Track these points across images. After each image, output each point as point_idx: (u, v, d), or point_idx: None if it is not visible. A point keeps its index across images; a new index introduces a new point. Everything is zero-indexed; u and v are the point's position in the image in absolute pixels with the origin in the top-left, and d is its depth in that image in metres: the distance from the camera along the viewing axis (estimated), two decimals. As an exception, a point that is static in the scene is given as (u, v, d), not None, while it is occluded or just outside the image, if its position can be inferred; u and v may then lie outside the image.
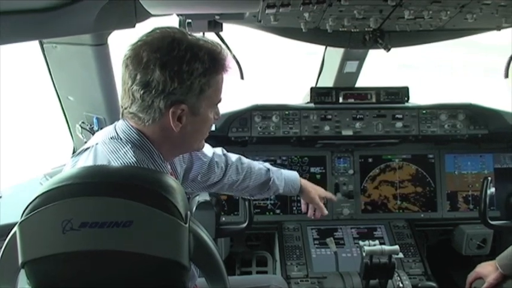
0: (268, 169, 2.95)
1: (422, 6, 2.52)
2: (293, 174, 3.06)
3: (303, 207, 3.19)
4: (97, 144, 2.03)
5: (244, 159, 2.91)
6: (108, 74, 2.96)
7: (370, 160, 3.96)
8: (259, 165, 2.95)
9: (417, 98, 3.99)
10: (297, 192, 3.07)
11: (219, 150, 2.84)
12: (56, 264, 1.39)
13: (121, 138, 2.01)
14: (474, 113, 3.82)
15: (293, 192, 3.06)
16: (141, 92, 1.91)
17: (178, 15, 2.60)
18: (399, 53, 3.32)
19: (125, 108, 2.01)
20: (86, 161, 1.99)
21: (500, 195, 3.56)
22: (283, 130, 3.74)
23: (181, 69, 1.90)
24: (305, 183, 3.10)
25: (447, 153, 3.98)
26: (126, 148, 1.97)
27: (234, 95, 3.74)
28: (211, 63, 1.97)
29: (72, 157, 2.11)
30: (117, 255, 1.36)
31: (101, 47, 2.83)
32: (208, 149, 2.74)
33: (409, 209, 3.93)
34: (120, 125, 2.06)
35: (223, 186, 2.86)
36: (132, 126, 2.02)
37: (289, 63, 10.91)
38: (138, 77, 1.90)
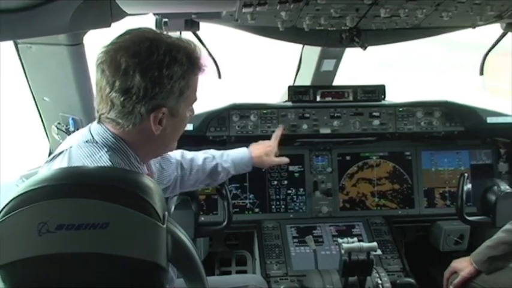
0: (214, 156, 3.00)
1: (398, 4, 2.54)
2: (241, 152, 3.11)
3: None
4: (71, 147, 2.01)
5: (188, 153, 2.94)
6: (84, 74, 2.93)
7: (348, 158, 3.98)
8: (204, 155, 2.99)
9: (395, 96, 4.02)
10: (251, 168, 3.13)
11: (177, 151, 2.88)
12: (32, 268, 1.37)
13: (97, 142, 1.99)
14: (450, 110, 3.86)
15: (246, 169, 3.12)
16: (122, 98, 1.89)
17: (154, 14, 2.59)
18: (377, 51, 3.34)
19: (102, 114, 1.99)
20: (60, 165, 1.96)
21: (476, 191, 3.59)
22: (262, 129, 3.74)
23: (161, 74, 1.89)
24: (257, 154, 3.15)
25: (424, 150, 4.02)
26: (102, 152, 1.96)
27: (212, 94, 3.74)
28: (189, 65, 1.98)
29: (46, 162, 2.08)
30: (94, 257, 1.35)
31: (76, 46, 2.80)
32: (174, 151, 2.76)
33: (386, 206, 3.96)
34: (96, 127, 2.04)
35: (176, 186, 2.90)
36: (108, 129, 2.01)
37: (269, 61, 10.91)
38: (117, 83, 1.88)
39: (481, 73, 3.46)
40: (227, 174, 3.05)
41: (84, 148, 1.98)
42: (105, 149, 1.97)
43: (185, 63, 1.96)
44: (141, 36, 1.94)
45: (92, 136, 2.02)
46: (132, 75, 1.86)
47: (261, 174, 3.86)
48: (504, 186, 3.39)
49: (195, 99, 2.15)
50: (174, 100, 1.98)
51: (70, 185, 1.39)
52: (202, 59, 2.07)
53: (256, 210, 3.89)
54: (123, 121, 1.96)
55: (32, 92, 3.24)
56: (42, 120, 3.42)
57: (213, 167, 3.00)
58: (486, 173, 3.99)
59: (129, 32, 1.97)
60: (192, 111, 2.21)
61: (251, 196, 3.88)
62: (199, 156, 2.98)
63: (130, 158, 2.02)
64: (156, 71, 1.88)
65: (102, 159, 1.93)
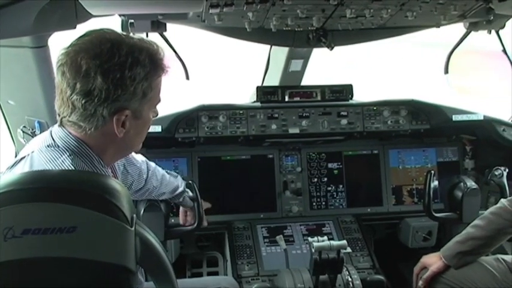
0: (177, 175, 3.16)
1: (363, 4, 2.56)
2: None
3: (182, 216, 3.33)
4: (33, 152, 1.97)
5: (154, 165, 2.99)
6: (49, 76, 2.89)
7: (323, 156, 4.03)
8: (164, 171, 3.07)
9: (364, 95, 4.06)
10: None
11: (140, 156, 2.87)
12: (-2, 274, 1.35)
13: (58, 146, 1.96)
14: (416, 109, 3.91)
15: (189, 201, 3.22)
16: (83, 101, 1.86)
17: (120, 15, 2.57)
18: (345, 51, 3.37)
19: (64, 117, 1.95)
20: (22, 170, 1.92)
21: (443, 188, 3.65)
22: (231, 130, 3.74)
23: (123, 75, 1.86)
24: None
25: (391, 149, 4.07)
26: (64, 156, 1.92)
27: (180, 96, 3.72)
28: (152, 66, 1.95)
29: (7, 168, 2.03)
30: (61, 261, 1.33)
31: (41, 49, 2.76)
32: (135, 155, 2.77)
33: (355, 205, 4.03)
34: (57, 131, 2.01)
35: (144, 193, 2.94)
36: (70, 133, 1.97)
37: (237, 62, 10.91)
38: (78, 85, 1.85)
39: (446, 71, 3.51)
40: (183, 196, 3.18)
41: (45, 153, 1.94)
42: (67, 153, 1.93)
43: (148, 65, 1.93)
44: (102, 37, 1.90)
45: (54, 140, 1.98)
46: (94, 77, 1.83)
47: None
48: (470, 183, 3.45)
49: (158, 101, 2.13)
50: (137, 102, 1.95)
51: (36, 189, 1.37)
52: (165, 60, 2.05)
53: (246, 210, 3.91)
54: (85, 124, 1.92)
55: (-4, 95, 3.19)
56: (7, 124, 3.36)
57: (176, 186, 3.12)
58: (452, 170, 4.06)
59: (89, 34, 1.93)
60: (156, 112, 2.19)
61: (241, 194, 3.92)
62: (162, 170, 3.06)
63: (94, 161, 1.99)
64: (118, 72, 1.85)
65: (64, 163, 1.89)
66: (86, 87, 1.84)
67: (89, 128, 1.93)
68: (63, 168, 1.87)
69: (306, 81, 4.00)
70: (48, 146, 1.96)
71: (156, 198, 3.08)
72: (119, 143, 2.04)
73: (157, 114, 2.20)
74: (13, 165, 1.99)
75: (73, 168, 1.87)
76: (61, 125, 2.00)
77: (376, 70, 12.56)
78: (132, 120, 1.99)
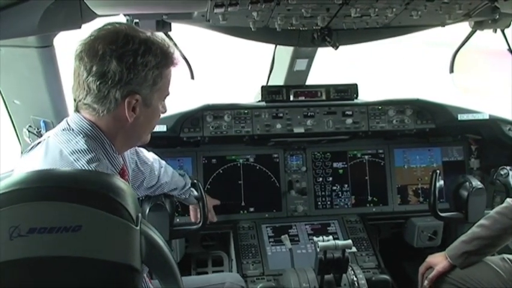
0: (184, 173, 3.28)
1: (368, 4, 2.56)
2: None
3: (193, 214, 3.47)
4: (49, 137, 2.08)
5: (164, 162, 3.17)
6: (54, 76, 2.90)
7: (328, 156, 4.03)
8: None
9: (369, 95, 4.05)
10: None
11: (152, 154, 3.05)
12: (4, 272, 1.35)
13: (73, 129, 2.07)
14: (421, 108, 3.90)
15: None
16: (98, 82, 1.99)
17: (125, 15, 2.57)
18: (352, 49, 3.37)
19: (79, 100, 2.07)
20: (37, 153, 2.03)
21: (448, 187, 3.64)
22: (236, 129, 3.74)
23: (136, 61, 2.00)
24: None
25: (396, 148, 4.06)
26: (78, 138, 2.03)
27: (185, 95, 3.72)
28: (162, 57, 2.08)
29: (24, 153, 2.15)
30: (66, 260, 1.33)
31: (46, 49, 2.77)
32: (147, 153, 2.96)
33: (360, 205, 4.02)
34: (72, 117, 2.12)
35: (157, 189, 3.08)
36: (84, 117, 2.08)
37: (242, 61, 10.91)
38: (94, 68, 1.98)
39: (451, 71, 3.50)
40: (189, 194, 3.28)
41: (61, 136, 2.05)
42: (81, 135, 2.04)
43: (159, 55, 2.06)
44: (118, 28, 2.05)
45: (69, 125, 2.10)
46: (109, 61, 1.97)
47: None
48: (475, 182, 3.45)
49: (167, 93, 2.24)
50: (148, 89, 2.07)
51: (42, 188, 1.37)
52: (175, 54, 2.18)
53: (251, 209, 3.92)
54: (98, 106, 2.04)
55: (1, 95, 3.20)
56: (13, 124, 3.37)
57: (185, 183, 3.26)
58: (458, 169, 4.05)
59: (106, 25, 2.07)
60: (165, 107, 2.30)
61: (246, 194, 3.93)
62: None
63: (106, 145, 2.10)
64: (131, 57, 1.99)
65: (78, 144, 2.01)
66: (101, 69, 1.98)
67: (102, 110, 2.04)
68: (77, 147, 2.00)
69: (311, 80, 4.00)
70: (63, 130, 2.09)
71: (168, 192, 3.17)
72: (129, 129, 2.14)
73: (165, 110, 2.30)
74: (30, 150, 2.10)
75: (86, 147, 2.00)
76: (76, 109, 2.12)
77: (381, 69, 12.55)
78: (142, 107, 2.10)
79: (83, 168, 1.96)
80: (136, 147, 2.80)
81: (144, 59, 2.02)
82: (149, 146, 3.37)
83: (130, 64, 1.99)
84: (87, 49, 2.00)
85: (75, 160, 1.97)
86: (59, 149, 1.99)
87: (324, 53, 3.63)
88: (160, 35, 2.23)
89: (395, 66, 12.96)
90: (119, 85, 2.00)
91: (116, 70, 1.97)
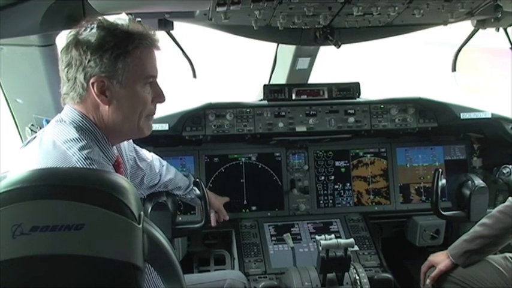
0: (188, 174, 3.35)
1: (370, 2, 2.56)
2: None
3: (213, 219, 3.52)
4: (43, 131, 2.15)
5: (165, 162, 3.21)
6: (57, 75, 2.85)
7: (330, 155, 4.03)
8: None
9: (372, 93, 4.05)
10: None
11: (152, 154, 3.07)
12: (7, 271, 1.36)
13: (65, 121, 2.13)
14: (423, 107, 3.90)
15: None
16: (66, 71, 2.10)
17: (127, 14, 2.58)
18: (354, 48, 3.36)
19: (63, 93, 2.17)
20: (32, 146, 2.09)
21: (451, 186, 3.64)
22: (238, 128, 3.74)
23: (91, 43, 2.06)
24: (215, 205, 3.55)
25: (398, 147, 4.06)
26: (69, 128, 2.09)
27: (187, 94, 3.72)
28: (125, 36, 2.10)
29: (21, 147, 2.20)
30: (69, 259, 1.33)
31: (49, 47, 2.77)
32: (147, 152, 2.98)
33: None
34: (65, 109, 2.19)
35: (160, 186, 3.11)
36: (75, 108, 2.15)
37: (244, 60, 10.91)
38: (64, 59, 2.10)
39: (454, 69, 3.50)
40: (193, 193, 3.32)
41: (54, 128, 2.12)
42: (72, 125, 2.11)
43: (119, 34, 2.10)
44: (88, 22, 2.13)
45: (61, 117, 2.16)
46: (71, 49, 2.08)
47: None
48: (478, 181, 3.45)
49: (146, 75, 2.19)
50: (111, 69, 2.09)
51: (44, 186, 1.38)
52: (148, 34, 2.17)
53: (254, 208, 3.93)
54: (72, 94, 2.12)
55: (4, 94, 3.20)
56: (15, 122, 3.38)
57: (189, 183, 3.30)
58: (460, 168, 4.05)
59: None
60: (159, 94, 2.26)
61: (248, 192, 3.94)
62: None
63: (97, 135, 2.15)
64: (88, 41, 2.06)
65: (70, 133, 2.07)
66: (66, 59, 2.09)
67: (75, 96, 2.12)
68: (69, 136, 2.06)
69: (313, 79, 4.00)
70: (56, 121, 2.15)
71: (172, 191, 3.20)
72: (112, 116, 2.15)
73: (161, 97, 2.28)
74: (26, 144, 2.17)
75: (77, 136, 2.07)
76: (63, 102, 2.20)
77: (384, 68, 12.54)
78: (113, 88, 2.11)
79: (75, 155, 1.99)
80: (135, 146, 2.80)
81: (101, 40, 2.06)
82: (151, 145, 3.41)
83: (87, 47, 2.05)
84: (63, 46, 2.13)
85: (67, 149, 2.01)
86: (52, 140, 2.04)
87: (326, 52, 3.63)
88: (160, 32, 2.24)
89: (398, 65, 12.95)
90: (80, 69, 2.06)
91: (75, 56, 2.06)
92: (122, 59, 2.09)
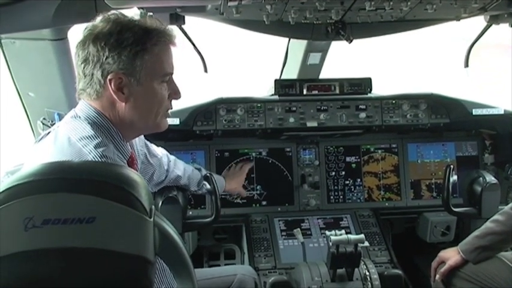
0: (200, 167, 3.35)
1: (382, -3, 2.55)
2: (220, 180, 3.46)
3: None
4: (58, 126, 2.14)
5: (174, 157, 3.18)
6: (69, 69, 2.92)
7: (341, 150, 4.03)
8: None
9: (383, 89, 4.03)
10: (223, 185, 3.53)
11: (161, 149, 3.05)
12: (18, 263, 1.37)
13: (80, 117, 2.13)
14: (435, 103, 3.88)
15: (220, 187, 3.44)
16: (82, 67, 2.09)
17: (139, 8, 2.58)
18: (366, 43, 3.34)
19: (79, 89, 2.17)
20: (47, 142, 2.08)
21: (462, 182, 3.62)
22: (248, 123, 3.74)
23: (110, 39, 2.04)
24: (231, 188, 3.68)
25: (410, 143, 4.05)
26: (84, 124, 2.09)
27: (199, 88, 3.73)
28: (144, 32, 2.10)
29: (35, 143, 2.19)
30: (80, 252, 1.34)
31: (61, 41, 2.79)
32: (156, 147, 2.96)
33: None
34: (80, 105, 2.19)
35: (169, 182, 3.09)
36: (90, 104, 2.15)
37: (255, 55, 10.90)
38: (80, 54, 2.09)
39: (466, 65, 3.48)
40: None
41: (69, 123, 2.12)
42: (87, 122, 2.10)
43: (138, 31, 2.09)
44: (105, 16, 2.12)
45: (76, 112, 2.16)
46: (88, 44, 2.06)
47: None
48: (489, 178, 3.43)
49: (164, 73, 2.20)
50: (130, 66, 2.08)
51: (56, 179, 1.38)
52: (166, 30, 2.18)
53: (264, 203, 3.93)
54: (89, 89, 2.12)
55: (16, 88, 3.22)
56: (27, 116, 3.40)
57: (202, 177, 3.29)
58: (472, 164, 4.03)
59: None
60: (175, 91, 2.27)
61: (258, 187, 3.93)
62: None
63: (112, 132, 2.15)
64: (105, 37, 2.05)
65: (85, 130, 2.07)
66: (83, 54, 2.08)
67: (92, 93, 2.12)
68: (84, 133, 2.05)
69: (324, 74, 3.99)
70: (71, 117, 2.15)
71: (185, 187, 3.21)
72: (128, 113, 2.15)
73: (177, 94, 2.29)
74: (41, 139, 2.16)
75: (92, 133, 2.06)
76: (79, 97, 2.20)
77: (396, 64, 12.48)
78: (131, 85, 2.11)
79: (91, 153, 1.99)
80: (146, 141, 2.81)
81: (120, 36, 2.05)
82: (162, 140, 3.41)
83: (105, 43, 2.04)
84: (79, 41, 2.12)
85: (83, 146, 2.01)
86: (67, 137, 2.03)
87: (337, 47, 3.62)
88: (173, 27, 2.24)
89: (411, 61, 12.89)
90: (98, 65, 2.06)
91: (93, 52, 2.05)
92: (141, 56, 2.09)
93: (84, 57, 2.07)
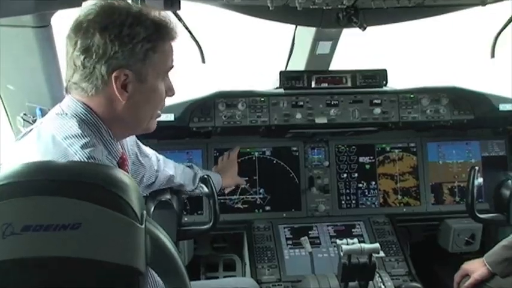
0: (192, 165, 3.39)
1: (399, -21, 2.55)
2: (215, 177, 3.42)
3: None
4: (41, 123, 2.12)
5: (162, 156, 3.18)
6: (52, 59, 2.92)
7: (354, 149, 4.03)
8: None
9: (400, 81, 4.03)
10: (220, 182, 3.57)
11: (149, 149, 3.03)
12: (-4, 274, 1.37)
13: (66, 114, 2.10)
14: (458, 97, 3.87)
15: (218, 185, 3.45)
16: (82, 57, 2.03)
17: (130, -8, 2.58)
18: (380, 30, 3.35)
19: (69, 80, 2.11)
20: (29, 140, 2.06)
21: (488, 186, 3.61)
22: (251, 119, 3.74)
23: (121, 32, 2.01)
24: (227, 183, 3.76)
25: (430, 141, 4.05)
26: (72, 122, 2.07)
27: (195, 81, 3.72)
28: (155, 29, 2.09)
29: (16, 140, 2.17)
30: (64, 261, 1.34)
31: (43, 28, 2.79)
32: (147, 147, 2.96)
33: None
34: (66, 100, 2.15)
35: (162, 183, 3.10)
36: (78, 100, 2.11)
37: (258, 44, 10.89)
38: (79, 43, 2.02)
39: (492, 56, 3.47)
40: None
41: (54, 121, 2.09)
42: (75, 119, 2.08)
43: (150, 27, 2.07)
44: (105, 2, 2.09)
45: (62, 109, 2.13)
46: (92, 33, 2.00)
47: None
48: (519, 181, 3.42)
49: (167, 68, 2.23)
50: (139, 63, 2.08)
51: (37, 181, 1.38)
52: (173, 27, 2.18)
53: (267, 208, 3.95)
54: (86, 84, 2.07)
55: (-6, 80, 3.23)
56: (6, 111, 3.40)
57: (194, 174, 3.32)
58: (499, 165, 4.03)
59: (96, 3, 2.10)
60: (171, 88, 2.29)
61: (261, 191, 3.94)
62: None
63: (102, 130, 2.13)
64: (116, 29, 2.01)
65: (72, 128, 2.05)
66: (85, 43, 2.01)
67: (90, 89, 2.07)
68: (70, 132, 2.03)
69: (335, 65, 3.99)
70: (56, 114, 2.12)
71: (180, 187, 3.23)
72: (125, 112, 2.15)
73: (172, 91, 2.30)
74: (22, 137, 2.14)
75: (80, 132, 2.04)
76: (67, 91, 2.16)
77: (413, 53, 12.45)
78: (136, 83, 2.11)
79: (77, 153, 1.98)
80: (137, 140, 2.81)
81: (132, 30, 2.02)
82: (154, 138, 3.42)
83: (115, 36, 2.00)
84: (74, 25, 2.06)
85: (68, 146, 2.00)
86: (52, 135, 2.02)
87: (349, 35, 3.61)
88: (168, 13, 2.24)
89: (431, 51, 12.85)
90: (103, 59, 2.02)
91: (99, 43, 2.00)
92: (151, 54, 2.09)
93: (86, 47, 2.01)
